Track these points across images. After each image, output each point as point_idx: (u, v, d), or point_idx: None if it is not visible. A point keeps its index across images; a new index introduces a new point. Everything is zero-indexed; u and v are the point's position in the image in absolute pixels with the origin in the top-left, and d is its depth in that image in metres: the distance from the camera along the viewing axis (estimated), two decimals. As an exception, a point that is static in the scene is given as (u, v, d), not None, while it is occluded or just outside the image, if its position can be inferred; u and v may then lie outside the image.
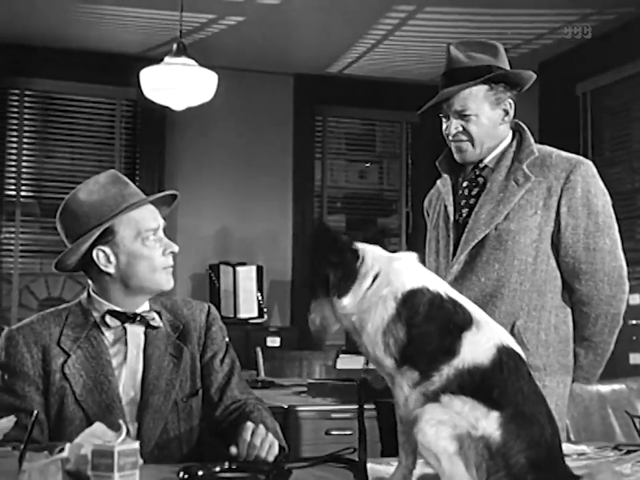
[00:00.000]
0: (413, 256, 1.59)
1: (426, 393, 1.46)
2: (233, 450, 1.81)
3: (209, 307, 2.17)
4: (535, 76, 2.29)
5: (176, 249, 2.04)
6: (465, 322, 1.48)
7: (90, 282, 2.06)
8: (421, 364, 1.47)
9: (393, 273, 1.53)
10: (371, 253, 1.57)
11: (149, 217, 2.02)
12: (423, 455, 1.44)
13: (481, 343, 1.46)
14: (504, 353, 1.46)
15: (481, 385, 1.43)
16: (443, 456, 1.40)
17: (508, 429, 1.39)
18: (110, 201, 1.99)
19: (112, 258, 2.00)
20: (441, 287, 1.54)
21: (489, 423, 1.40)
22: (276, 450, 1.82)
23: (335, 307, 1.56)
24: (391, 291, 1.51)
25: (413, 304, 1.49)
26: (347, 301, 1.54)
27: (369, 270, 1.55)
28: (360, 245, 1.58)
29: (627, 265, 2.26)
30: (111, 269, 2.00)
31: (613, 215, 2.26)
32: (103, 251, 1.99)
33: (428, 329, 1.47)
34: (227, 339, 2.15)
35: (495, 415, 1.40)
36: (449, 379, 1.44)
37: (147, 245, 2.00)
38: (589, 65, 5.39)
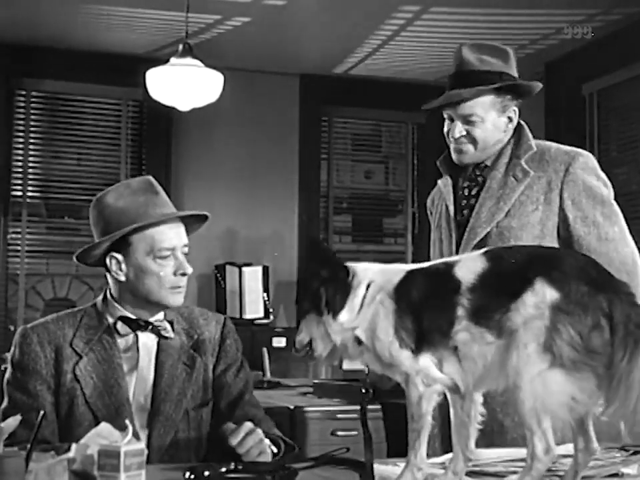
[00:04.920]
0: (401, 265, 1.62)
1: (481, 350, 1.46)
2: (233, 441, 1.82)
3: (225, 319, 2.17)
4: (541, 86, 2.29)
5: (189, 270, 2.02)
6: (446, 264, 1.54)
7: (109, 283, 2.06)
8: (437, 334, 1.48)
9: (380, 277, 1.56)
10: (361, 267, 1.59)
11: (168, 234, 2.00)
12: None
13: (468, 261, 1.52)
14: (489, 250, 1.55)
15: (501, 281, 1.45)
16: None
17: (553, 278, 1.40)
18: (132, 211, 1.98)
19: (123, 266, 2.00)
20: (422, 265, 1.59)
21: (542, 293, 1.40)
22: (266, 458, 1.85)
23: (331, 326, 1.54)
24: (385, 292, 1.54)
25: (406, 293, 1.52)
26: (344, 317, 1.54)
27: (361, 282, 1.56)
28: (349, 263, 1.59)
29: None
30: (122, 277, 2.00)
31: (615, 203, 2.24)
32: (116, 258, 2.00)
33: (429, 305, 1.50)
34: (240, 353, 2.15)
35: (539, 283, 1.41)
36: (475, 304, 1.45)
37: (158, 262, 1.98)
38: (595, 65, 5.37)
